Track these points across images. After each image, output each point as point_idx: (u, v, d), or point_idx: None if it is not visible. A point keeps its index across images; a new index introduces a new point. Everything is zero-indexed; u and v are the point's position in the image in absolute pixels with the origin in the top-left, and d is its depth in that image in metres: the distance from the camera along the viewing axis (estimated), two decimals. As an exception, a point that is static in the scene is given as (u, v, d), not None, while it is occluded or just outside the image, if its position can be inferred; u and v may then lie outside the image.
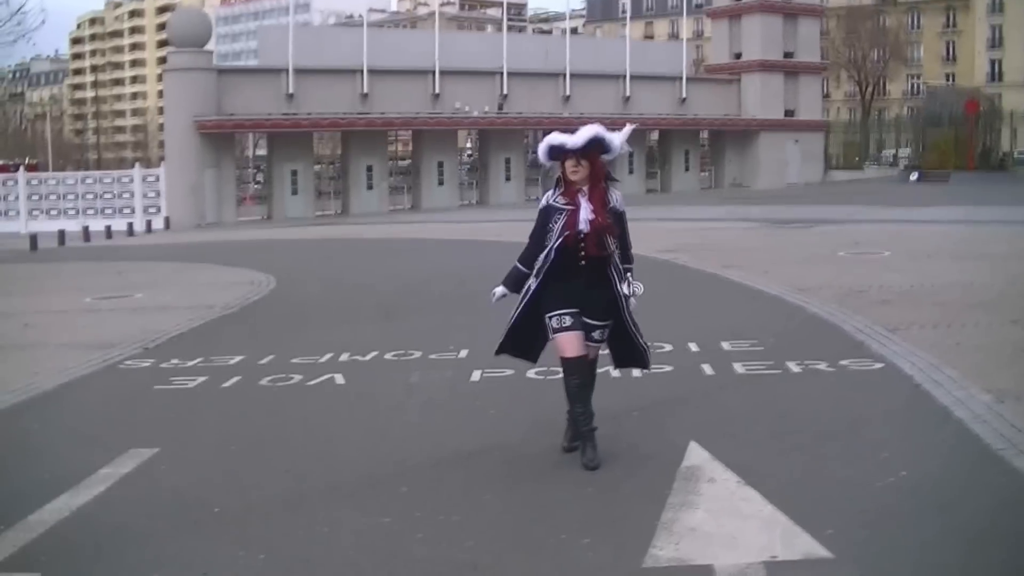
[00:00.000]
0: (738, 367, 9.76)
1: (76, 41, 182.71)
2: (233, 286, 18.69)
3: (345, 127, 52.98)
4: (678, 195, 58.20)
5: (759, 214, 34.69)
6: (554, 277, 6.83)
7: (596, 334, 6.93)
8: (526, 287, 6.96)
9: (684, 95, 62.77)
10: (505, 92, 56.69)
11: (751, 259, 19.69)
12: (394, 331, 12.87)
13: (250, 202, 56.19)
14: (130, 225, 45.14)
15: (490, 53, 56.83)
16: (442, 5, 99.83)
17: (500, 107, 56.62)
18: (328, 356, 11.00)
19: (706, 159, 68.45)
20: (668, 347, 10.62)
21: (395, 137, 62.48)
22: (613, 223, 6.84)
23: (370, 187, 53.99)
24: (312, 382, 9.87)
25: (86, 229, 41.66)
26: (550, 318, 6.84)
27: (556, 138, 6.81)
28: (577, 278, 6.79)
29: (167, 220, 47.94)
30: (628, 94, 59.88)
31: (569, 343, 6.81)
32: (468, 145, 69.69)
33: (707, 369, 9.73)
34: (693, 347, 10.73)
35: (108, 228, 42.97)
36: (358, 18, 77.27)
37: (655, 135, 65.25)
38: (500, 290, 7.10)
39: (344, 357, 10.96)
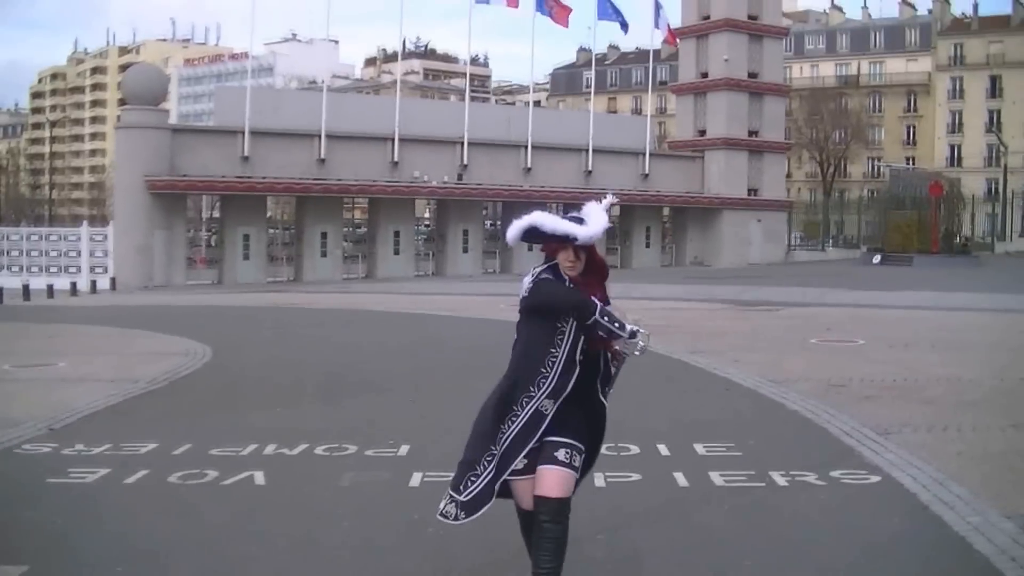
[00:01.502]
0: (716, 477, 8.55)
1: (36, 95, 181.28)
2: (165, 356, 17.44)
3: (300, 192, 51.83)
4: (639, 272, 57.25)
5: (723, 294, 33.72)
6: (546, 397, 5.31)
7: (561, 454, 5.27)
8: (533, 409, 5.28)
9: (647, 170, 62.13)
10: (465, 162, 55.79)
11: (720, 344, 18.63)
12: (330, 416, 11.67)
13: (202, 264, 54.90)
14: (74, 284, 43.73)
15: (451, 122, 55.96)
16: (406, 74, 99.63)
17: (460, 176, 55.65)
18: (251, 448, 9.72)
19: (667, 236, 67.74)
20: (635, 448, 9.45)
21: (351, 204, 61.30)
22: None
23: (324, 254, 52.80)
24: (228, 481, 8.58)
25: (26, 287, 40.14)
26: None
27: (557, 225, 5.20)
28: (561, 397, 5.31)
29: (113, 281, 46.46)
30: (590, 167, 59.12)
31: (529, 492, 5.34)
32: (426, 215, 68.70)
33: (681, 479, 8.51)
34: (663, 449, 9.54)
35: (50, 287, 41.49)
36: (321, 83, 76.49)
37: (616, 210, 64.42)
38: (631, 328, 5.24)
39: (269, 449, 9.69)
